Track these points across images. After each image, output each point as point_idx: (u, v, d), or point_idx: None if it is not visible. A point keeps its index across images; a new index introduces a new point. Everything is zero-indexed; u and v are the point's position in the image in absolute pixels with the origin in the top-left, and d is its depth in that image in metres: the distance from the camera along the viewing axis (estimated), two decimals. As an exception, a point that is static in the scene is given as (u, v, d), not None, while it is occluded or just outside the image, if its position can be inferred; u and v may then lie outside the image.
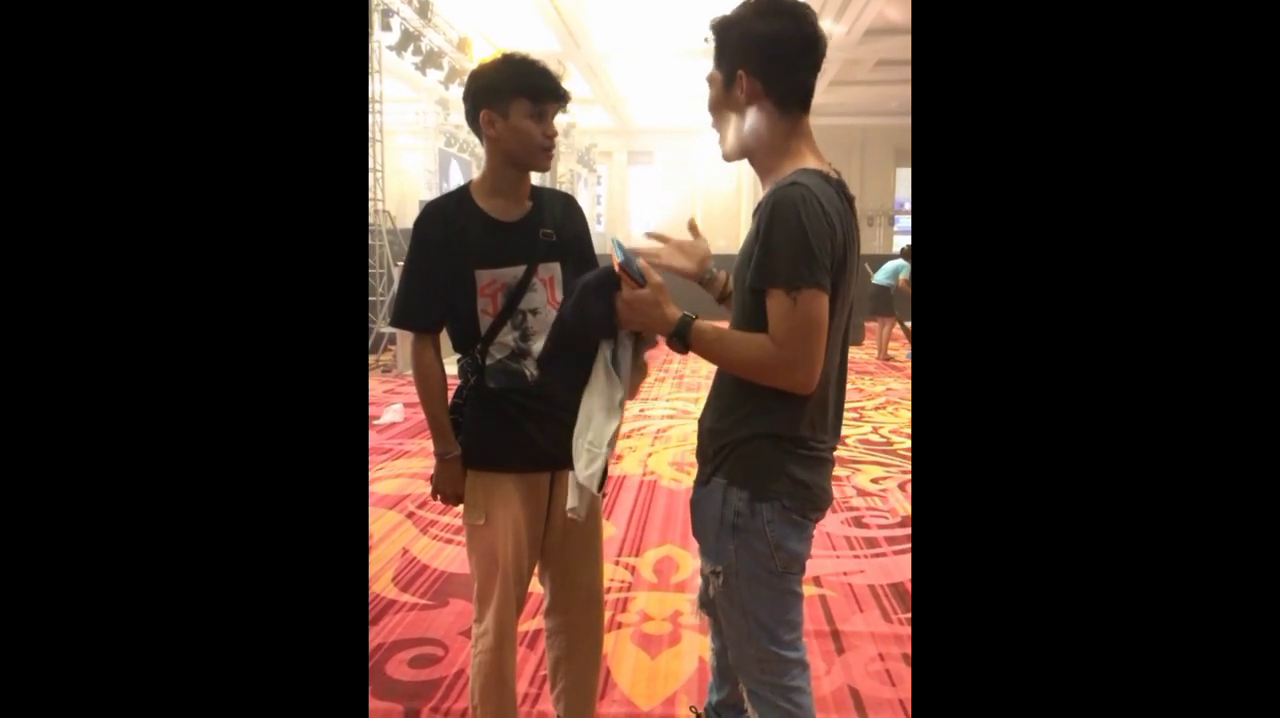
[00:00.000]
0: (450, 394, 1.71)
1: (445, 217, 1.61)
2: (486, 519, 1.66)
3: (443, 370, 1.69)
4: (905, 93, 14.73)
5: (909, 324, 9.49)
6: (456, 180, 14.38)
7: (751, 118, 1.31)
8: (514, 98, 1.55)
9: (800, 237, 1.19)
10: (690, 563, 3.09)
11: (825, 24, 10.95)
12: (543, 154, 1.60)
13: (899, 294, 8.77)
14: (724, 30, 1.32)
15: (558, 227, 1.67)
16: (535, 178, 1.71)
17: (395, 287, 1.64)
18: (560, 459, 1.60)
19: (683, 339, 1.29)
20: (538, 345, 1.63)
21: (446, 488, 1.70)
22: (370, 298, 9.35)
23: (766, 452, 1.30)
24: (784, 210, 1.20)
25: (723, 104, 1.34)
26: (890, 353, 9.21)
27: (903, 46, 11.11)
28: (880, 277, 8.83)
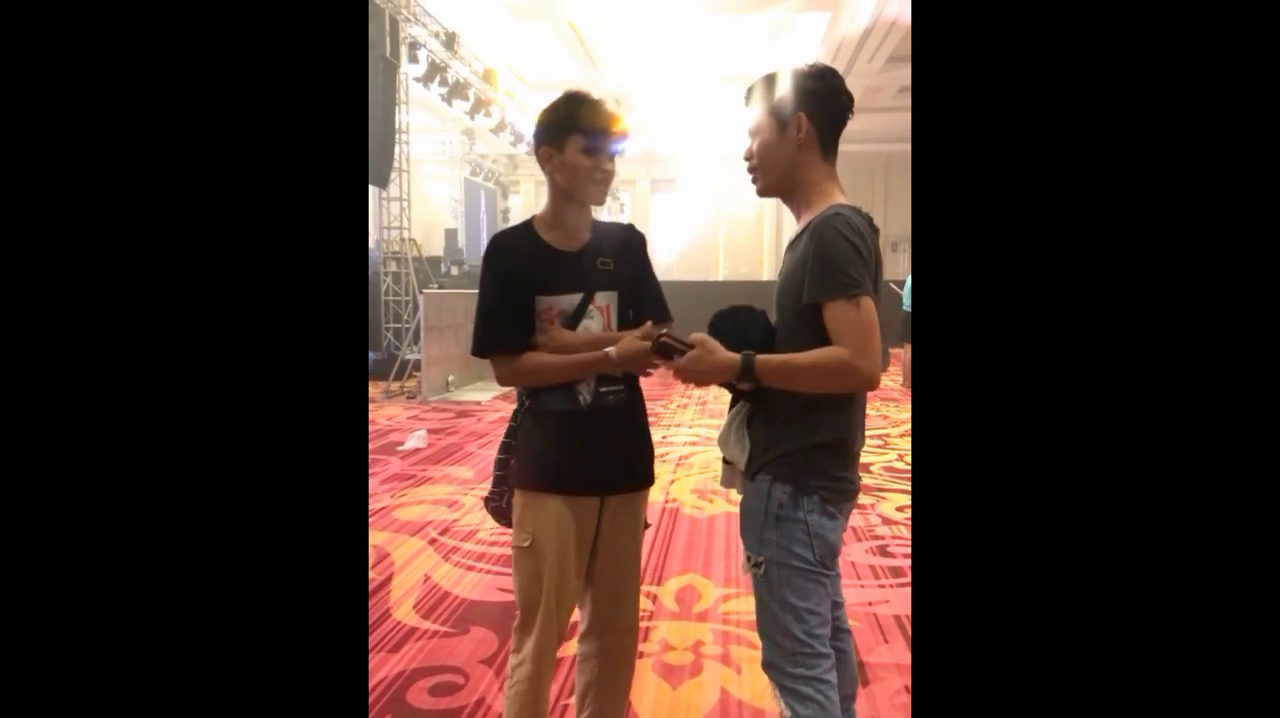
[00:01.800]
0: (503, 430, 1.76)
1: (511, 247, 1.71)
2: (533, 542, 1.66)
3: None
4: (928, 119, 14.77)
5: None
6: (481, 209, 14.55)
7: (798, 160, 1.51)
8: (570, 134, 1.64)
9: (850, 252, 1.38)
10: (713, 592, 3.06)
11: (845, 56, 10.99)
12: (594, 187, 1.68)
13: None
14: (777, 84, 1.52)
15: (616, 256, 1.74)
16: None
17: (474, 319, 1.72)
18: (611, 483, 1.70)
19: (750, 374, 1.44)
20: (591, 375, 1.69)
21: (634, 360, 1.63)
22: (395, 324, 9.45)
23: (812, 455, 1.47)
24: (830, 234, 1.40)
25: (775, 146, 1.52)
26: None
27: (925, 73, 11.14)
28: (908, 303, 8.82)
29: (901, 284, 9.13)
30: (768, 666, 1.52)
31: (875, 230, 1.49)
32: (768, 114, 1.52)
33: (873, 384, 1.41)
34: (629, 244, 1.79)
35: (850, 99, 1.53)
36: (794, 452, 1.48)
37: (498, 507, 1.78)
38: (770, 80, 1.53)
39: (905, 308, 8.77)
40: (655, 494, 4.44)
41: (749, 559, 1.54)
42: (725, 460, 1.63)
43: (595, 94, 1.70)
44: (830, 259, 1.38)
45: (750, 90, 1.56)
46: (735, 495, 1.63)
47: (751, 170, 1.57)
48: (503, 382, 1.70)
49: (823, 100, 1.50)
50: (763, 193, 1.58)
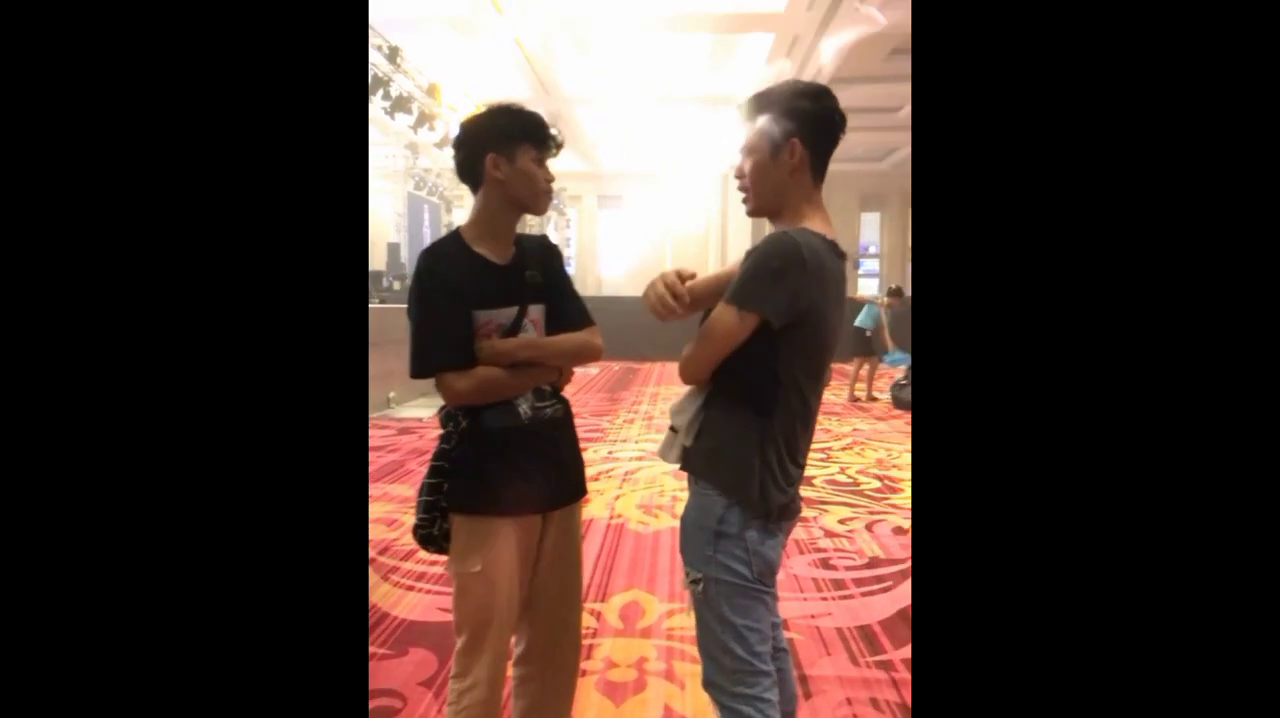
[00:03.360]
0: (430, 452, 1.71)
1: (447, 261, 1.65)
2: (484, 568, 1.61)
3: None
4: (870, 139, 15.07)
5: (878, 359, 9.65)
6: (425, 224, 14.42)
7: (790, 183, 1.50)
8: (521, 143, 1.63)
9: (768, 273, 1.40)
10: (657, 608, 3.05)
11: (792, 71, 11.21)
12: (545, 198, 1.68)
13: (875, 336, 9.12)
14: (774, 102, 1.49)
15: (539, 268, 1.73)
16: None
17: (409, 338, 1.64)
18: (555, 498, 1.69)
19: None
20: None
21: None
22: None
23: (755, 472, 1.46)
24: (763, 251, 1.42)
25: (767, 169, 1.50)
26: (871, 393, 9.30)
27: (866, 95, 11.39)
28: (861, 319, 9.06)
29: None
30: (708, 684, 1.52)
31: (841, 256, 1.50)
32: (761, 135, 1.50)
33: (683, 377, 1.54)
34: (548, 255, 1.78)
35: (843, 119, 1.51)
36: (737, 467, 1.47)
37: (428, 534, 1.67)
38: (765, 98, 1.51)
39: (856, 324, 9.00)
40: (600, 510, 4.41)
41: (688, 576, 1.54)
42: (671, 428, 1.60)
43: (534, 109, 1.70)
44: (748, 271, 1.42)
45: (745, 106, 1.53)
46: (680, 511, 1.62)
47: (743, 190, 1.56)
48: (455, 400, 1.62)
49: (817, 123, 1.49)
50: (753, 213, 1.57)
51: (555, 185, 1.72)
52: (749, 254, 1.45)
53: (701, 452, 1.53)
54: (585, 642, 2.72)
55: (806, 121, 1.48)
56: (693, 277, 1.57)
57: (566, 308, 1.76)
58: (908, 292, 10.13)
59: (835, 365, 9.78)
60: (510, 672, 1.79)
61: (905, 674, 2.55)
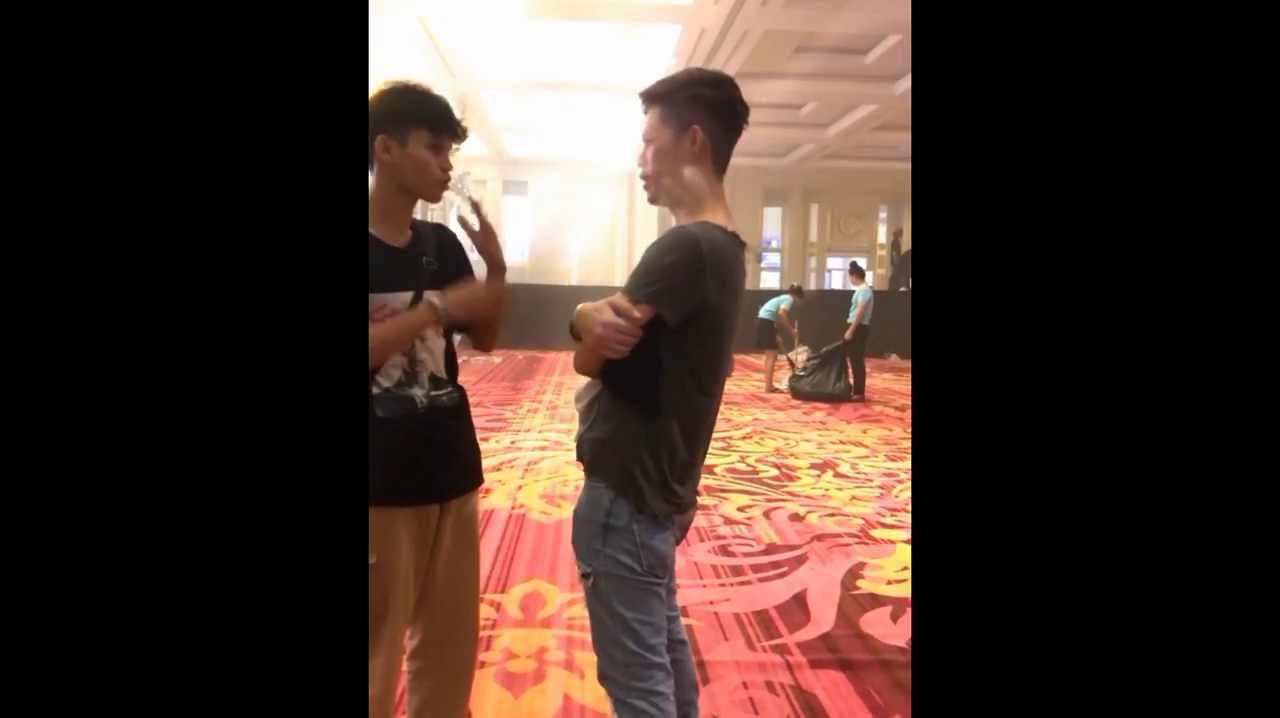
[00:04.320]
0: None
1: None
2: (379, 561, 1.56)
3: None
4: (773, 135, 15.36)
5: (789, 355, 9.86)
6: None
7: (690, 171, 1.49)
8: (414, 127, 1.55)
9: (662, 266, 1.39)
10: (558, 597, 3.05)
11: (700, 64, 11.28)
12: (438, 186, 1.60)
13: (780, 327, 9.31)
14: (676, 90, 1.48)
15: (437, 255, 1.68)
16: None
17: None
18: (453, 487, 1.64)
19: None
20: (425, 373, 1.62)
21: (484, 305, 1.67)
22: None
23: (646, 466, 1.45)
24: (664, 244, 1.41)
25: (669, 157, 1.49)
26: (771, 385, 9.51)
27: (770, 91, 11.59)
28: (764, 312, 9.24)
29: (752, 300, 9.55)
30: (602, 677, 1.52)
31: (741, 245, 1.50)
32: (662, 122, 1.49)
33: (576, 368, 1.52)
34: (447, 243, 1.74)
35: (745, 110, 1.51)
36: (623, 463, 1.46)
37: None
38: (667, 85, 1.50)
39: (760, 315, 9.19)
40: (502, 501, 4.38)
41: (579, 569, 1.54)
42: (578, 400, 1.63)
43: (439, 93, 1.63)
44: (644, 266, 1.41)
45: (647, 94, 1.52)
46: None
47: (645, 178, 1.54)
48: None
49: (718, 111, 1.48)
50: (653, 201, 1.56)
51: (460, 170, 1.67)
52: (648, 248, 1.44)
53: (591, 443, 1.52)
54: (484, 633, 2.69)
55: (708, 109, 1.47)
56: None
57: None
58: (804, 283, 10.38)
59: (745, 359, 10.01)
60: (405, 666, 1.76)
61: (800, 658, 2.63)
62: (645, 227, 17.58)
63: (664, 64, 11.12)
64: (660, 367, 1.44)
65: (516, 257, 19.82)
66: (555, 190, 19.10)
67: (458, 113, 1.64)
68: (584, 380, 1.58)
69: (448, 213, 14.14)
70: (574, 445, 1.59)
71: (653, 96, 1.51)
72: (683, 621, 2.58)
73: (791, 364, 9.64)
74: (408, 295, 1.60)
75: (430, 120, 1.57)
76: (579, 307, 1.45)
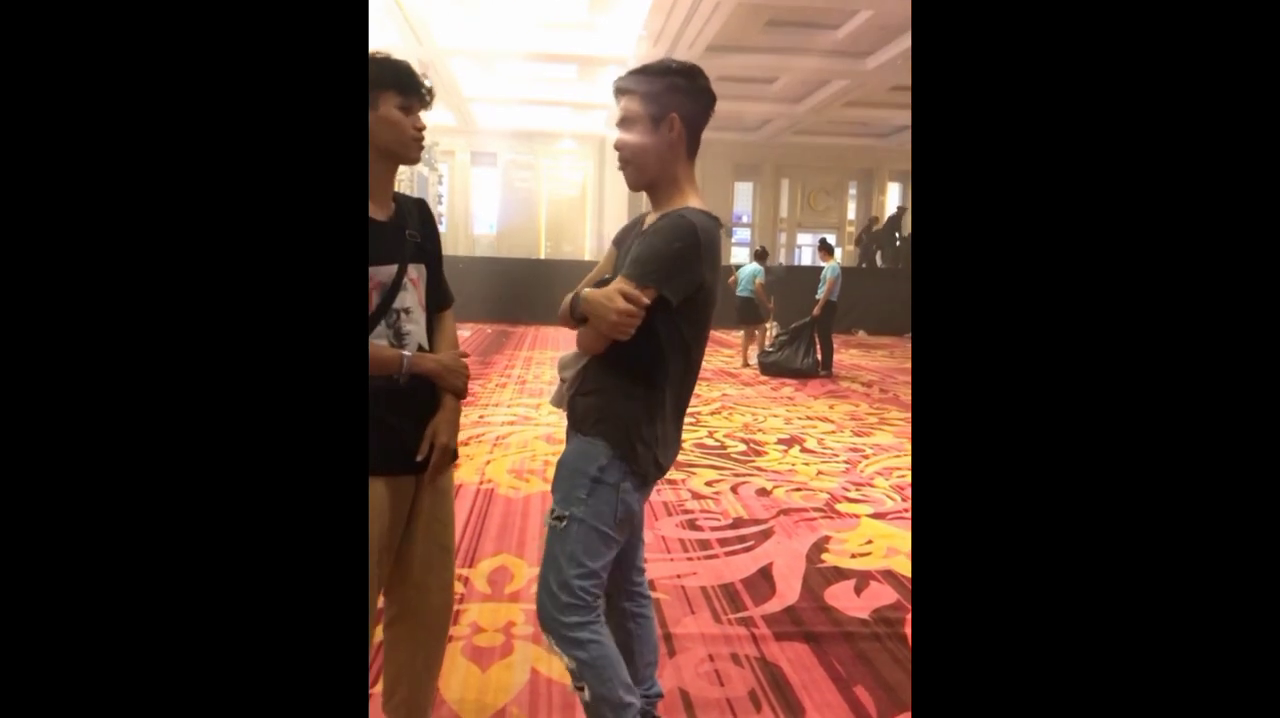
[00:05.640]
0: None
1: None
2: None
3: None
4: (744, 109, 15.31)
5: (771, 324, 9.86)
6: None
7: (669, 157, 1.59)
8: (383, 91, 1.58)
9: (669, 254, 1.51)
10: (526, 572, 3.05)
11: (666, 42, 11.16)
12: (414, 145, 1.63)
13: (759, 301, 9.27)
14: (654, 78, 1.58)
15: (419, 229, 1.70)
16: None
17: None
18: (428, 459, 1.66)
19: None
20: (410, 346, 1.65)
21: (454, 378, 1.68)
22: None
23: (640, 428, 1.59)
24: (669, 232, 1.52)
25: (649, 144, 1.58)
26: (746, 360, 9.52)
27: (741, 65, 11.54)
28: (741, 289, 9.20)
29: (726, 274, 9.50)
30: (544, 620, 1.61)
31: (720, 226, 1.61)
32: (641, 110, 1.58)
33: (581, 347, 1.59)
34: (426, 218, 1.76)
35: (714, 98, 1.62)
36: (627, 431, 1.59)
37: None
38: (643, 75, 1.59)
39: (739, 294, 9.18)
40: (471, 475, 4.36)
41: (552, 512, 1.64)
42: (561, 379, 1.70)
43: (404, 59, 1.64)
44: (648, 251, 1.52)
45: (621, 83, 1.61)
46: (550, 474, 1.67)
47: (623, 164, 1.62)
48: None
49: (693, 100, 1.59)
50: (634, 187, 1.64)
51: (428, 140, 1.67)
52: (646, 234, 1.56)
53: (592, 410, 1.61)
54: (453, 607, 2.69)
55: (683, 98, 1.58)
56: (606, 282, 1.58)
57: (438, 283, 1.75)
58: (774, 258, 10.33)
59: (718, 335, 10.01)
60: (379, 635, 1.77)
61: (765, 630, 2.66)
62: (614, 200, 17.48)
63: (634, 35, 11.00)
64: (660, 344, 1.56)
65: (485, 229, 19.63)
66: (524, 162, 18.90)
67: (422, 75, 1.66)
68: (558, 352, 1.65)
69: (414, 183, 13.91)
70: (556, 407, 1.71)
71: (628, 85, 1.59)
72: (651, 594, 2.61)
73: (749, 335, 9.62)
74: (392, 269, 1.62)
75: (397, 83, 1.59)
76: (585, 292, 1.55)
